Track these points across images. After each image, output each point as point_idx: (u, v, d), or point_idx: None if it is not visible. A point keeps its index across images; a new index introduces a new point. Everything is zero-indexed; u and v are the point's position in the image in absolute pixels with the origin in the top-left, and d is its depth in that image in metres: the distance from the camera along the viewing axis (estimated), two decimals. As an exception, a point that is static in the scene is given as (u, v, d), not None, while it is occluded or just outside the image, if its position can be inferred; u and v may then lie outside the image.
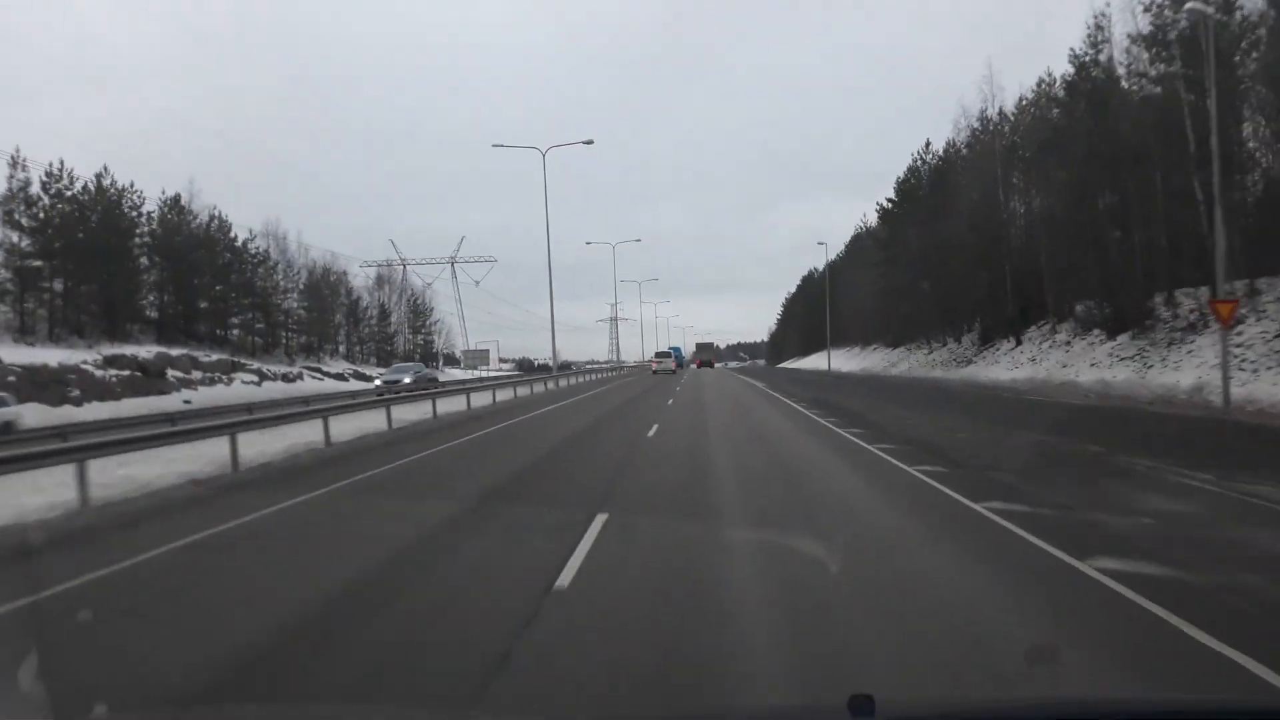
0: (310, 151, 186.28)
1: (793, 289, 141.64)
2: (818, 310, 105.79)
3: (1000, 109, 41.99)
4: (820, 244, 69.39)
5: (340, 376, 67.51)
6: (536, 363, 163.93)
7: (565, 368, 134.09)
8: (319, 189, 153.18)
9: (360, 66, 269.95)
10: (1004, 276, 39.38)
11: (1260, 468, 10.30)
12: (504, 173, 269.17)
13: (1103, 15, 32.43)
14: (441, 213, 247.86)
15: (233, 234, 58.87)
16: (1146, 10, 29.32)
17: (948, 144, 48.70)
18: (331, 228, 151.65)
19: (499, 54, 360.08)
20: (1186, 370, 23.51)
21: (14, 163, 43.47)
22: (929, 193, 48.26)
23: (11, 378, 32.48)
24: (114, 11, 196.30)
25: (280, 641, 4.68)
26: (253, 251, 60.41)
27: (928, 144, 54.60)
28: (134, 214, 50.51)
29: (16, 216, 43.48)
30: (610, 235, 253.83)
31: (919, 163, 54.26)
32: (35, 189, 44.11)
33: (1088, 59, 32.88)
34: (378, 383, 41.98)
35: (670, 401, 26.28)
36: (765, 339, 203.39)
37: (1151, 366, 25.97)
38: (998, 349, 40.16)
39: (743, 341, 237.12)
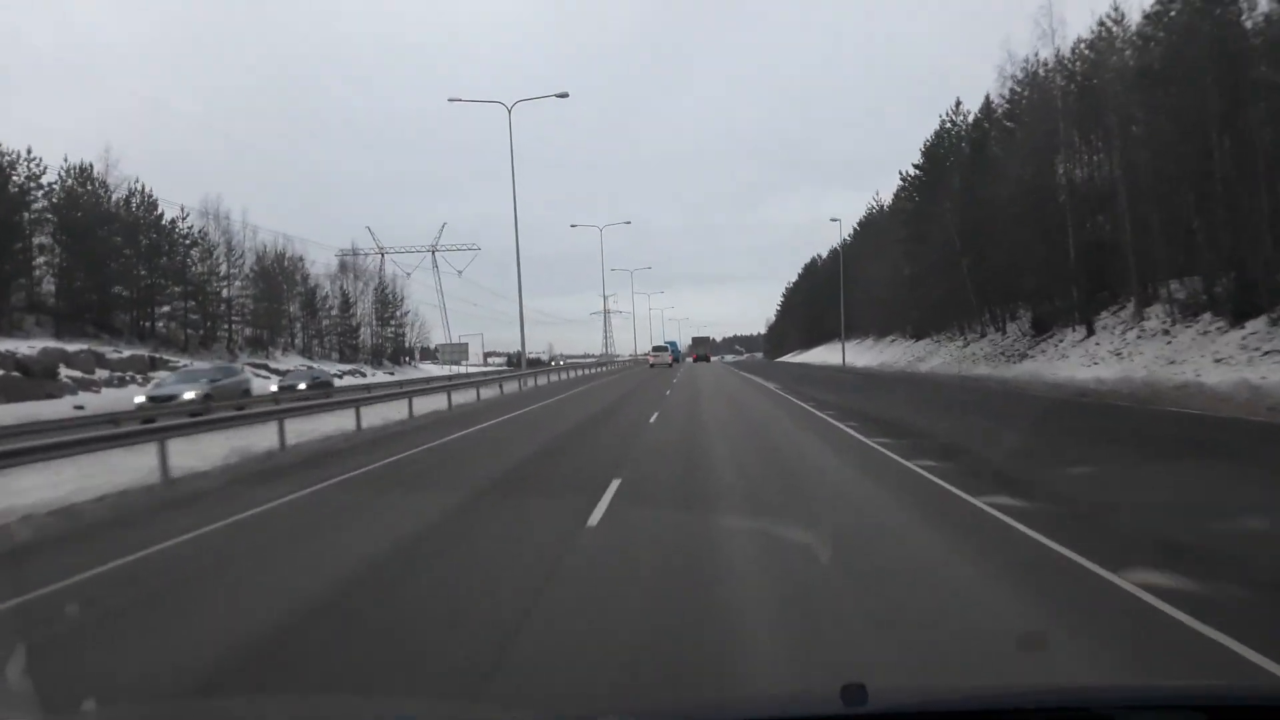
0: (285, 141, 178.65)
1: (790, 281, 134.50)
2: (822, 300, 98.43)
3: (1058, 51, 34.52)
4: (833, 220, 59.45)
5: (288, 373, 60.11)
6: (530, 357, 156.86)
7: (536, 364, 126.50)
8: (293, 178, 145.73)
9: (347, 59, 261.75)
10: (1066, 251, 31.98)
11: None
12: (496, 163, 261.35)
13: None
14: (431, 204, 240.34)
15: (159, 211, 51.36)
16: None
17: (986, 101, 41.27)
18: (306, 217, 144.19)
19: (486, 41, 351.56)
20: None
21: None
22: (970, 155, 40.79)
23: None
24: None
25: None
26: (184, 232, 52.85)
27: (958, 104, 47.21)
28: (30, 184, 43.01)
29: None
30: (602, 223, 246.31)
31: (949, 125, 46.83)
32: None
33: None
34: (273, 388, 34.32)
35: (654, 418, 18.84)
36: (762, 332, 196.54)
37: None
38: (1060, 340, 32.80)
39: (738, 335, 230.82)
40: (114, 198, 48.50)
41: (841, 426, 15.26)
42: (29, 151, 42.97)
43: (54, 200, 44.64)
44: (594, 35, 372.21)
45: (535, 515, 8.03)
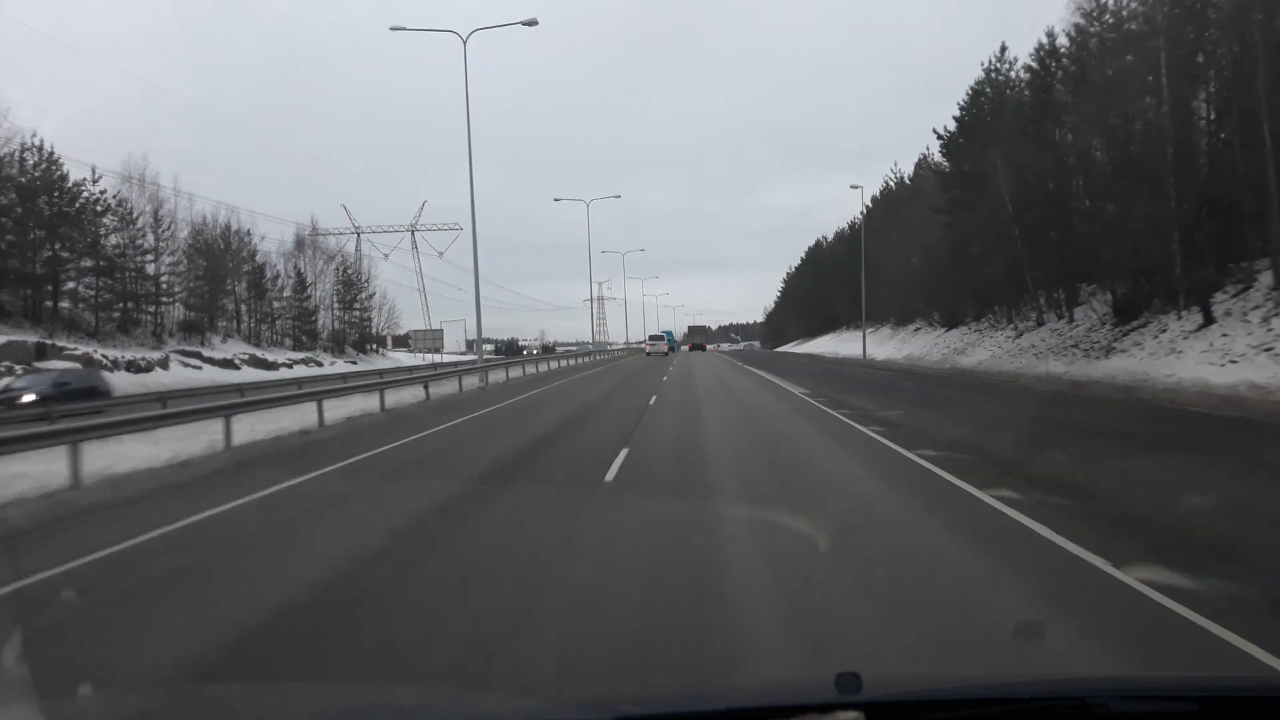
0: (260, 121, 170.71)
1: (791, 266, 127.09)
2: (828, 285, 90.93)
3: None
4: (854, 187, 50.88)
5: (228, 364, 52.69)
6: (520, 345, 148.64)
7: (515, 351, 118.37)
8: (260, 154, 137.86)
9: (337, 38, 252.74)
10: (1170, 214, 24.61)
11: None
12: (490, 140, 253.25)
13: None
14: (415, 185, 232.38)
15: (64, 171, 43.62)
16: None
17: (1050, 40, 33.69)
18: (278, 197, 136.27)
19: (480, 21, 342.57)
20: None
21: None
22: (1030, 102, 33.28)
23: None
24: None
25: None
26: (94, 196, 45.10)
27: (1003, 49, 39.65)
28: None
29: None
30: (597, 217, 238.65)
31: (994, 74, 39.33)
32: None
33: None
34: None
35: (620, 461, 11.41)
36: (758, 320, 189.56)
37: None
38: (1160, 329, 25.48)
39: (734, 322, 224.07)
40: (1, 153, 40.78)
41: (1043, 532, 7.86)
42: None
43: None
44: (592, 20, 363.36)
45: None
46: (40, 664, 3.87)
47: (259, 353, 56.99)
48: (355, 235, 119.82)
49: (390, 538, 6.74)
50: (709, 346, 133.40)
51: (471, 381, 30.52)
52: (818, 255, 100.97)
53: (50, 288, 43.27)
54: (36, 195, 42.13)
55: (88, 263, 44.96)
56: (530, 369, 43.52)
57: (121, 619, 4.99)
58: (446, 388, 27.08)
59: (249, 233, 60.20)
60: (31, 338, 38.00)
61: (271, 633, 4.53)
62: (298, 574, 5.80)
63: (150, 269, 49.98)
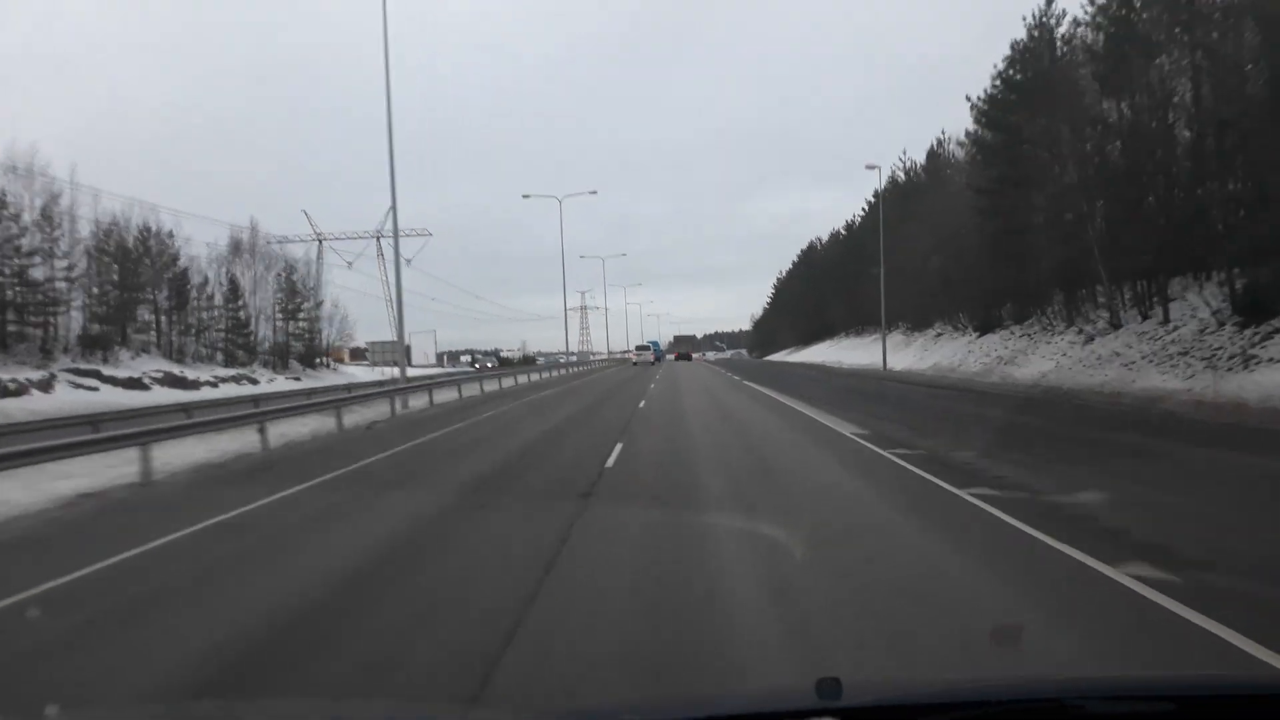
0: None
1: (782, 270, 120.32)
2: (824, 289, 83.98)
3: None
4: (870, 167, 42.27)
5: (135, 383, 45.01)
6: (502, 355, 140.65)
7: (502, 363, 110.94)
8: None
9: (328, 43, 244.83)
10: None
11: None
12: (474, 151, 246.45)
13: None
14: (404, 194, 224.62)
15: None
16: None
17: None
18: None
19: (464, 25, 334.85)
20: None
21: None
22: (1109, 38, 26.15)
23: None
24: None
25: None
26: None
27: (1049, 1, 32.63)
28: None
29: None
30: (580, 224, 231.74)
31: (1039, 30, 32.29)
32: None
33: None
34: None
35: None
36: (744, 329, 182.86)
37: None
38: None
39: (720, 331, 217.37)
40: None
41: None
42: None
43: None
44: (579, 28, 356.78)
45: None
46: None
47: (179, 369, 49.32)
48: (317, 242, 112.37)
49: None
50: (695, 355, 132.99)
51: (380, 411, 23.27)
52: (811, 259, 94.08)
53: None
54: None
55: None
56: (486, 386, 36.19)
57: None
58: (323, 423, 19.70)
59: (171, 234, 52.62)
60: None
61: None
62: None
63: (39, 273, 42.31)
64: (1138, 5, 25.18)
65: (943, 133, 51.03)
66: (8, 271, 40.20)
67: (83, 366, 42.75)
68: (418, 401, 28.95)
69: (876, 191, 41.36)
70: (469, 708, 3.51)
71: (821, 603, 4.89)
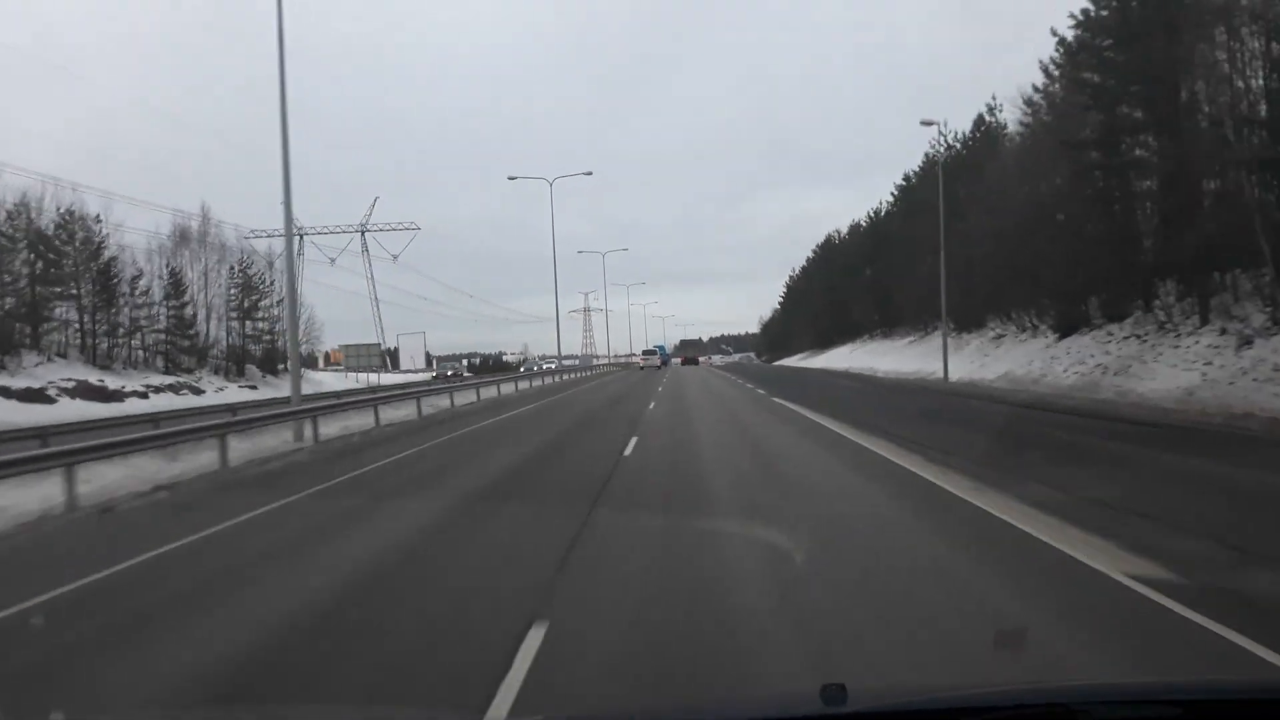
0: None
1: (775, 280, 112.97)
2: (844, 286, 76.58)
3: None
4: (926, 123, 34.71)
5: (38, 395, 37.85)
6: (506, 359, 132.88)
7: (501, 367, 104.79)
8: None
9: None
10: None
11: None
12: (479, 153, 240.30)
13: None
14: (414, 199, 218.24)
15: None
16: None
17: None
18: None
19: (464, 28, 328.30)
20: None
21: None
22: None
23: None
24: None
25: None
26: None
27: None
28: None
29: None
30: (587, 226, 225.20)
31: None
32: None
33: None
34: None
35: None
36: (752, 331, 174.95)
37: None
38: None
39: (725, 334, 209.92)
40: None
41: None
42: None
43: None
44: (579, 30, 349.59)
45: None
46: None
47: (100, 378, 42.18)
48: (298, 237, 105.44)
49: None
50: (701, 359, 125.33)
51: (264, 444, 16.08)
52: (830, 254, 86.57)
53: None
54: None
55: None
56: (458, 398, 29.00)
57: None
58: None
59: (99, 218, 45.45)
60: None
61: None
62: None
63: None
64: None
65: (993, 99, 43.69)
66: None
67: (-30, 374, 35.65)
68: (360, 421, 21.86)
69: (929, 155, 33.88)
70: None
71: None
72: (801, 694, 1.78)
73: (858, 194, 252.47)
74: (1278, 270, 20.06)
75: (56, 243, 43.83)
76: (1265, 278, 20.58)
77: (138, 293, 46.98)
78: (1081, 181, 25.45)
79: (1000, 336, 36.50)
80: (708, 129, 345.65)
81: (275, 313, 58.31)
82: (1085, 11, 24.89)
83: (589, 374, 69.49)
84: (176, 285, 49.55)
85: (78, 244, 44.62)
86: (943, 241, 31.21)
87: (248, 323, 55.50)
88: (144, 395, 42.99)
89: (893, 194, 62.74)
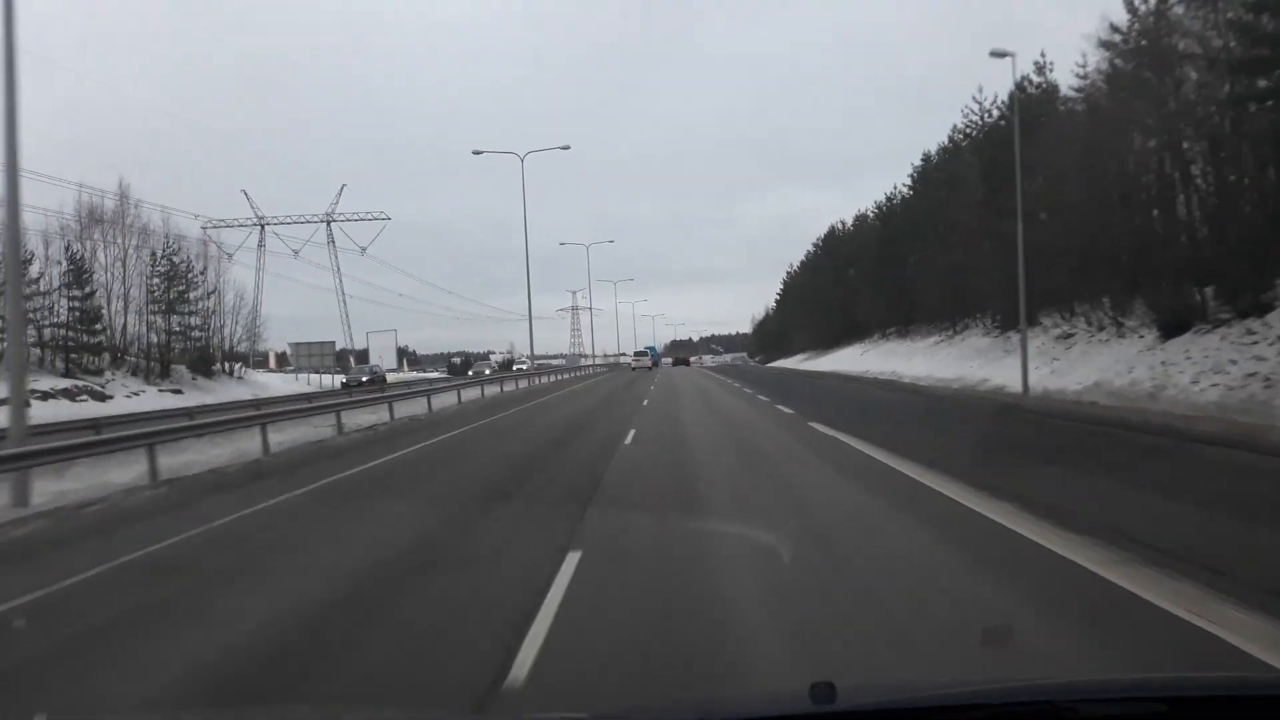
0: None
1: (766, 281, 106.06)
2: (850, 282, 69.76)
3: None
4: (998, 54, 26.70)
5: None
6: (493, 359, 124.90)
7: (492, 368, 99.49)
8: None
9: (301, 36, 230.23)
10: None
11: None
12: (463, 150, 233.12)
13: None
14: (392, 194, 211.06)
15: None
16: None
17: None
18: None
19: (451, 27, 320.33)
20: None
21: None
22: None
23: None
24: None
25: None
26: None
27: None
28: None
29: None
30: (578, 224, 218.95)
31: None
32: None
33: None
34: None
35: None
36: (744, 331, 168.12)
37: None
38: None
39: (716, 334, 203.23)
40: None
41: None
42: None
43: None
44: (570, 30, 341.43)
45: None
46: None
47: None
48: (259, 227, 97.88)
49: None
50: (692, 360, 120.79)
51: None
52: (834, 247, 79.58)
53: None
54: None
55: None
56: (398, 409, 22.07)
57: None
58: None
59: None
60: None
61: None
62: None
63: None
64: None
65: (1042, 56, 36.65)
66: None
67: None
68: (217, 453, 15.15)
69: (1012, 93, 26.85)
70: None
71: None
72: (791, 692, 1.78)
73: (847, 194, 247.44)
74: None
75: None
76: None
77: (28, 279, 39.59)
78: (1225, 117, 18.46)
79: (1068, 336, 29.55)
80: (696, 129, 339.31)
81: (208, 305, 51.06)
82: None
83: (567, 378, 62.37)
84: (78, 272, 42.17)
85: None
86: (1020, 200, 24.10)
87: (174, 317, 48.09)
88: (27, 402, 35.67)
89: (910, 176, 55.86)
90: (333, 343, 60.14)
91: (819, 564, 6.45)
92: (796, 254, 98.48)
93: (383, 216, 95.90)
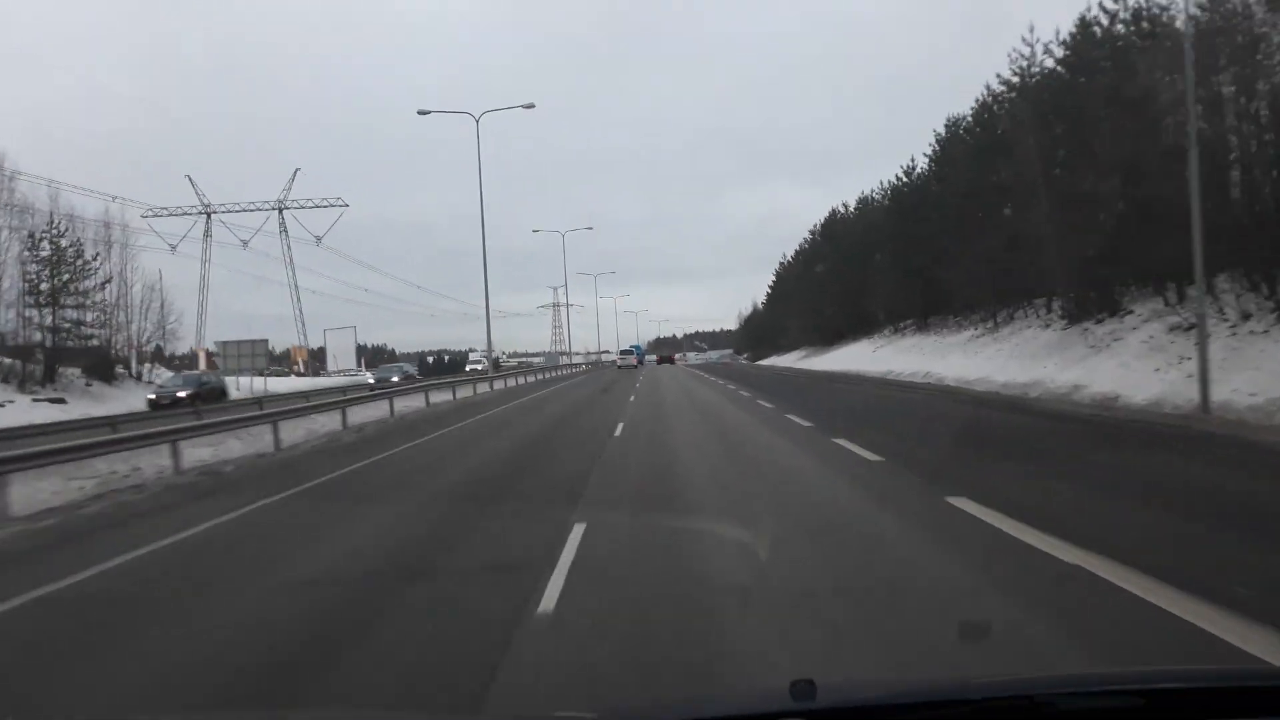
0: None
1: (786, 255, 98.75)
2: (854, 272, 62.39)
3: None
4: None
5: None
6: (472, 358, 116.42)
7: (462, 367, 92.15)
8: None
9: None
10: None
11: None
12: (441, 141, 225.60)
13: None
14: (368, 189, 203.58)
15: None
16: None
17: None
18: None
19: (428, 18, 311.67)
20: None
21: None
22: None
23: None
24: None
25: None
26: None
27: None
28: None
29: None
30: (557, 222, 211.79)
31: None
32: None
33: None
34: None
35: None
36: (729, 328, 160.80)
37: None
38: None
39: (700, 330, 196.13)
40: None
41: None
42: None
43: None
44: (550, 25, 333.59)
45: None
46: None
47: None
48: (204, 215, 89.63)
49: None
50: (676, 357, 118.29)
51: None
52: (834, 232, 72.15)
53: None
54: None
55: None
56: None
57: None
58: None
59: None
60: None
61: None
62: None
63: None
64: None
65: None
66: None
67: None
68: None
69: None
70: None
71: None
72: (771, 690, 1.76)
73: (831, 193, 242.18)
74: None
75: None
76: None
77: None
78: None
79: (1189, 327, 22.17)
80: (678, 125, 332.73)
81: (107, 298, 43.08)
82: None
83: (541, 379, 54.72)
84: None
85: None
86: (1192, 117, 16.40)
87: (60, 311, 40.11)
88: None
89: (931, 150, 48.45)
90: (265, 341, 52.36)
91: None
92: (780, 250, 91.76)
93: (340, 203, 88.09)
